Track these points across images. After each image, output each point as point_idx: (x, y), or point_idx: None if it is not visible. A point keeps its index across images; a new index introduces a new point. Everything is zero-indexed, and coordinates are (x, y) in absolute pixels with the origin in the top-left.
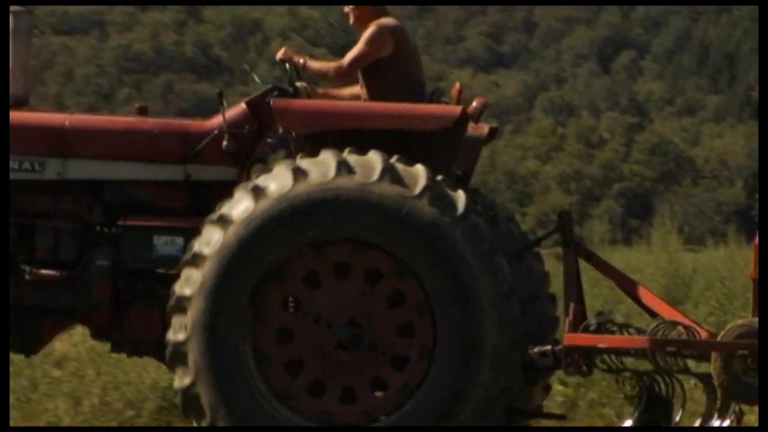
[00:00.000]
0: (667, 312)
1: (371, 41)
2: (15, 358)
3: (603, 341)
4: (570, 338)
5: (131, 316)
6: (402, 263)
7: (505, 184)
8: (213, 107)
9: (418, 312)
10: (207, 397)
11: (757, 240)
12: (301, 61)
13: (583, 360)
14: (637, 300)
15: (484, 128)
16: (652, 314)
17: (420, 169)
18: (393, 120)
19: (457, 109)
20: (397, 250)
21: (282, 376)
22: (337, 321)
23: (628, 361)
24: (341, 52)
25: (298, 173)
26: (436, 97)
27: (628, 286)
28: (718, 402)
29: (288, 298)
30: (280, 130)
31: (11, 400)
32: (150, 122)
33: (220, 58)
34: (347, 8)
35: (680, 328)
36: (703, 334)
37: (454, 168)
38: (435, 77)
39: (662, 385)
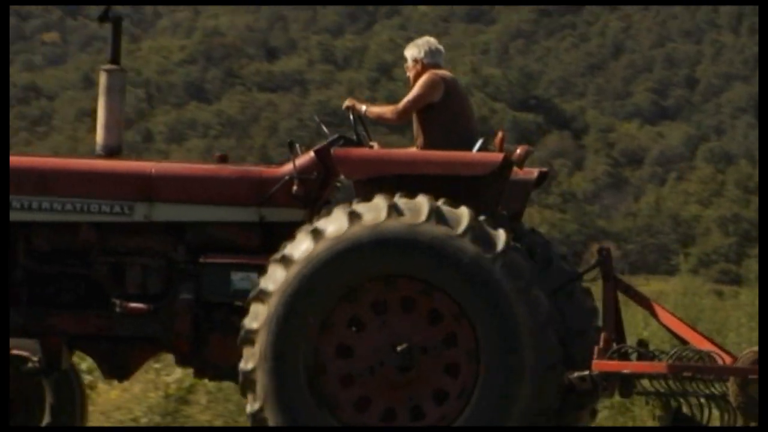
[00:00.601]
0: (695, 339)
1: (424, 86)
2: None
3: (626, 367)
4: (597, 364)
5: (211, 345)
6: (448, 296)
7: (670, 226)
8: None
9: (463, 340)
10: (274, 422)
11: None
12: (363, 108)
13: (621, 384)
14: (667, 327)
15: (533, 172)
16: (683, 341)
17: (464, 211)
18: (440, 166)
19: (499, 157)
20: (443, 285)
21: (349, 396)
22: (386, 347)
23: (665, 385)
24: (519, 107)
25: (353, 216)
26: (483, 144)
27: (660, 315)
28: (735, 422)
29: (347, 329)
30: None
31: None
32: (228, 169)
33: None
34: (407, 65)
35: (699, 353)
36: (727, 360)
37: (500, 209)
38: (605, 128)
39: (690, 408)
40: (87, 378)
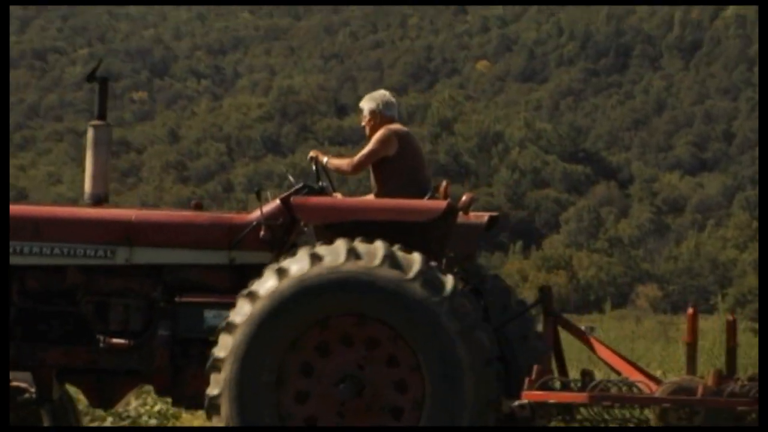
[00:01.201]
0: (627, 370)
1: (378, 142)
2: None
3: (550, 397)
4: (526, 395)
5: (187, 378)
6: (396, 336)
7: (709, 269)
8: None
9: (410, 372)
10: None
11: (690, 310)
12: (325, 159)
13: (561, 412)
14: (602, 359)
15: (483, 217)
16: (617, 372)
17: (416, 257)
18: (389, 212)
19: (443, 204)
20: (394, 324)
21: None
22: (342, 381)
23: (599, 413)
24: (569, 159)
25: (315, 258)
26: (431, 193)
27: (596, 348)
28: None
29: (305, 363)
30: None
31: None
32: (202, 216)
33: (468, 164)
34: (363, 121)
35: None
36: (653, 389)
37: (451, 251)
38: (649, 179)
39: None
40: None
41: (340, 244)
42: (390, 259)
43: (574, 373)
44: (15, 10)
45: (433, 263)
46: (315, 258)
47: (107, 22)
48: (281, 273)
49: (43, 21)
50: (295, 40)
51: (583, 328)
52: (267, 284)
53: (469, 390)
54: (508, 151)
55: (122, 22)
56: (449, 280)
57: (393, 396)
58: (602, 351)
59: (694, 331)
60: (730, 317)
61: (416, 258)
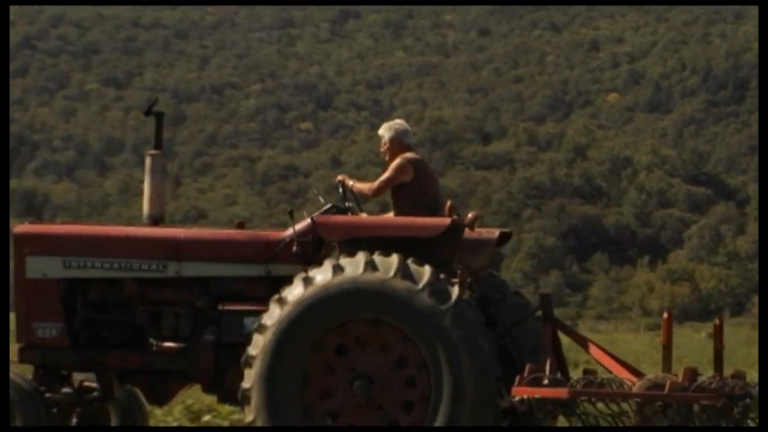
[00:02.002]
0: (616, 368)
1: (395, 170)
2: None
3: (535, 392)
4: (515, 390)
5: (229, 377)
6: (406, 338)
7: None
8: (596, 225)
9: (418, 371)
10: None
11: (666, 314)
12: (350, 183)
13: (555, 406)
14: (595, 358)
15: (494, 233)
16: (609, 371)
17: (426, 269)
18: (400, 229)
19: (446, 221)
20: (405, 328)
21: (324, 421)
22: (359, 379)
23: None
24: (691, 182)
25: (337, 269)
26: (441, 212)
27: (591, 349)
28: None
29: (326, 362)
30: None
31: None
32: (242, 233)
33: (600, 187)
34: (383, 148)
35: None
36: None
37: (455, 263)
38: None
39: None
40: None
41: (360, 257)
42: (403, 271)
43: (578, 373)
44: (194, 49)
45: (441, 275)
46: (337, 269)
47: (277, 60)
48: (307, 281)
49: (221, 59)
50: (444, 76)
51: (704, 335)
52: (295, 291)
53: (469, 388)
54: (636, 175)
55: (291, 60)
56: (455, 291)
57: (403, 392)
58: (595, 351)
59: (668, 333)
60: (717, 321)
61: (426, 270)
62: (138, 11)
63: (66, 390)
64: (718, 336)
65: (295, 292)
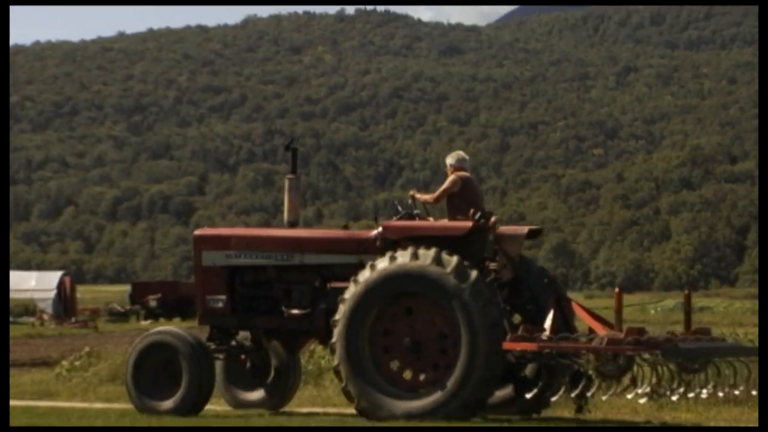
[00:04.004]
0: (597, 327)
1: (449, 184)
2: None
3: (516, 346)
4: (504, 344)
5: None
6: (440, 307)
7: None
8: None
9: (449, 331)
10: (345, 371)
11: (616, 290)
12: (418, 195)
13: (533, 358)
14: (582, 319)
15: (522, 229)
16: (591, 330)
17: (454, 258)
18: (435, 230)
19: (468, 223)
20: (438, 301)
21: (385, 363)
22: (408, 336)
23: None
24: None
25: (392, 259)
26: (480, 217)
27: (576, 311)
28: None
29: (386, 327)
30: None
31: None
32: (344, 233)
33: None
34: (448, 171)
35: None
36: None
37: (484, 254)
38: None
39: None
40: None
41: (408, 250)
42: (436, 259)
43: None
44: (516, 96)
45: (465, 262)
46: (392, 258)
47: (576, 103)
48: (372, 267)
49: (535, 104)
50: (701, 113)
51: None
52: (365, 274)
53: (482, 343)
54: None
55: (587, 103)
56: (473, 273)
57: (442, 343)
58: (581, 313)
59: (619, 303)
60: (687, 292)
61: (453, 259)
62: (475, 67)
63: (233, 343)
64: (687, 303)
65: (364, 274)
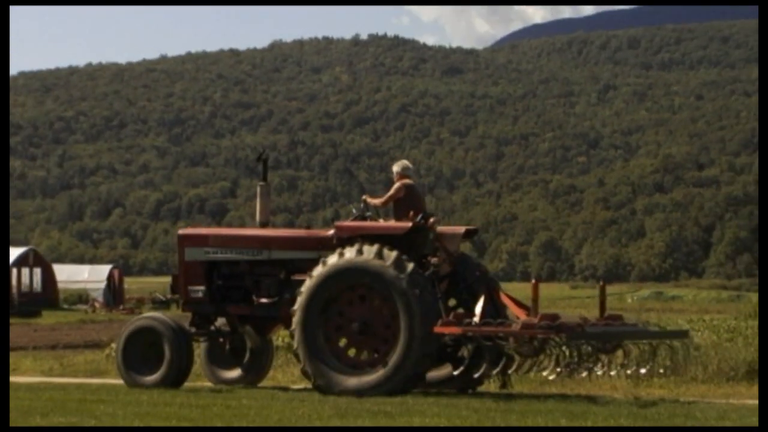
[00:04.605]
0: (520, 314)
1: (394, 190)
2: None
3: (443, 330)
4: (435, 329)
5: None
6: (383, 296)
7: None
8: None
9: (390, 315)
10: (302, 355)
11: (533, 281)
12: (369, 199)
13: (463, 342)
14: (505, 305)
15: (460, 229)
16: (516, 316)
17: (393, 253)
18: (378, 230)
19: (408, 224)
20: (380, 290)
21: (337, 346)
22: (356, 321)
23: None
24: None
25: (341, 255)
26: (421, 218)
27: (503, 299)
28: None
29: (338, 311)
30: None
31: None
32: (306, 232)
33: None
34: (395, 177)
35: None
36: (515, 327)
37: (424, 250)
38: None
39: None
40: None
41: (355, 247)
42: (378, 254)
43: None
44: (510, 111)
45: (404, 256)
46: (341, 254)
47: (563, 117)
48: (324, 263)
49: (527, 118)
50: (672, 126)
51: None
52: (318, 269)
53: (419, 326)
54: None
55: (571, 117)
56: (410, 265)
57: (383, 329)
58: (507, 301)
59: (536, 292)
60: (601, 284)
61: (393, 253)
62: (473, 86)
63: (211, 328)
64: (602, 294)
65: (317, 269)
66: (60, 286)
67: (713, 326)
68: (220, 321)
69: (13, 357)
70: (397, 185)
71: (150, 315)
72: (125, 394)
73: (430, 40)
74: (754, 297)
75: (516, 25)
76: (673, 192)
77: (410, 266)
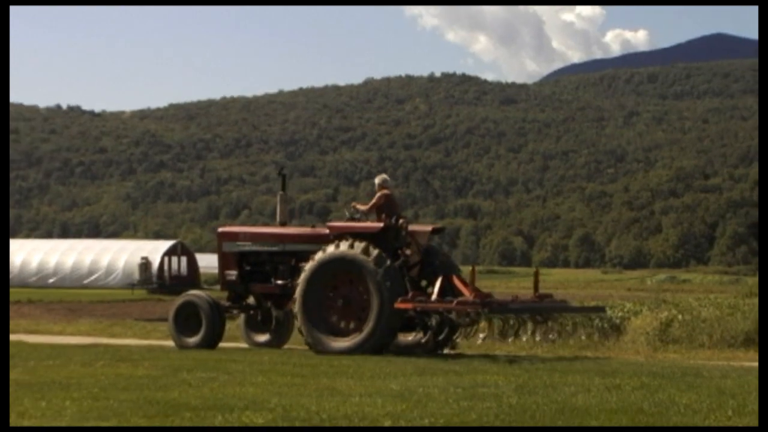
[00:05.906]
0: (466, 291)
1: (376, 199)
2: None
3: (402, 306)
4: (396, 305)
5: None
6: (364, 281)
7: None
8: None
9: (367, 296)
10: (299, 317)
11: (470, 268)
12: (358, 206)
13: (416, 314)
14: (454, 285)
15: (428, 227)
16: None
17: (375, 249)
18: (359, 229)
19: (380, 225)
20: (360, 279)
21: (327, 315)
22: (343, 298)
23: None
24: None
25: (337, 246)
26: (395, 221)
27: (453, 280)
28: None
29: (330, 289)
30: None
31: None
32: (311, 230)
33: None
34: (377, 188)
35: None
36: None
37: (396, 243)
38: None
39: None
40: None
41: (348, 242)
42: (363, 250)
43: None
44: (549, 130)
45: (384, 254)
46: (337, 246)
47: (595, 137)
48: (324, 251)
49: (566, 138)
50: (683, 144)
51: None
52: (318, 255)
53: (387, 304)
54: None
55: (602, 138)
56: (387, 260)
57: (362, 304)
58: (458, 283)
59: (473, 276)
60: (535, 269)
61: (375, 250)
62: (524, 112)
63: (244, 303)
64: (536, 279)
65: (318, 255)
66: (201, 270)
67: (717, 303)
68: (250, 297)
69: (165, 325)
70: (378, 195)
71: (193, 292)
72: (252, 355)
73: (490, 76)
74: (750, 280)
75: (558, 64)
76: (684, 197)
77: (387, 262)
